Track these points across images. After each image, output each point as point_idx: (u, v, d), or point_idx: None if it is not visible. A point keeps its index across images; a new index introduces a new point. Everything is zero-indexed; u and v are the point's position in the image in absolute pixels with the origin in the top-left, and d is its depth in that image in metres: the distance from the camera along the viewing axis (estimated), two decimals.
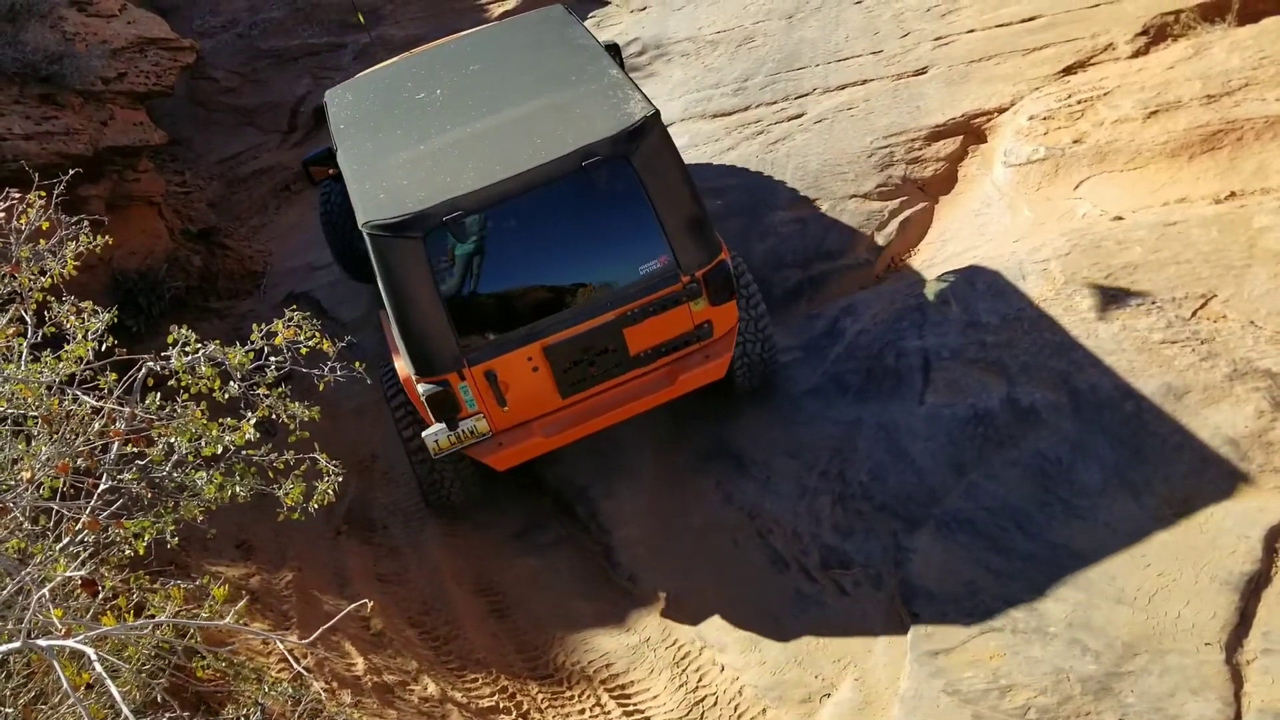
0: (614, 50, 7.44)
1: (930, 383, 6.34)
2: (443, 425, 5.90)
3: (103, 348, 4.12)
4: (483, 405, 5.93)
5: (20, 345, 3.91)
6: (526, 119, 6.07)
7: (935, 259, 7.56)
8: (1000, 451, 5.79)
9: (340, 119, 6.87)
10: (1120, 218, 6.95)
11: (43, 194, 4.21)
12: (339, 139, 6.70)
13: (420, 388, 5.85)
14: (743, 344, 6.38)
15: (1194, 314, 6.04)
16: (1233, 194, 6.82)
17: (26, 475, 3.22)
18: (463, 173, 5.77)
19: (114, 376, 3.91)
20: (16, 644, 2.75)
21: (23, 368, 3.78)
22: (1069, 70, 8.37)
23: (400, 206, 5.66)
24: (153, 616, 3.56)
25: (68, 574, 2.96)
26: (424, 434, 5.98)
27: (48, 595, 2.80)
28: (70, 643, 2.62)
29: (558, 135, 5.82)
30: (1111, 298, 6.28)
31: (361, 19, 8.85)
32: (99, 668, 2.46)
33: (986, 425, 5.93)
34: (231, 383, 4.05)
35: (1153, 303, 6.16)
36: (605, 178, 5.70)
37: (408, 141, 6.24)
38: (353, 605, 3.70)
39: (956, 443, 5.91)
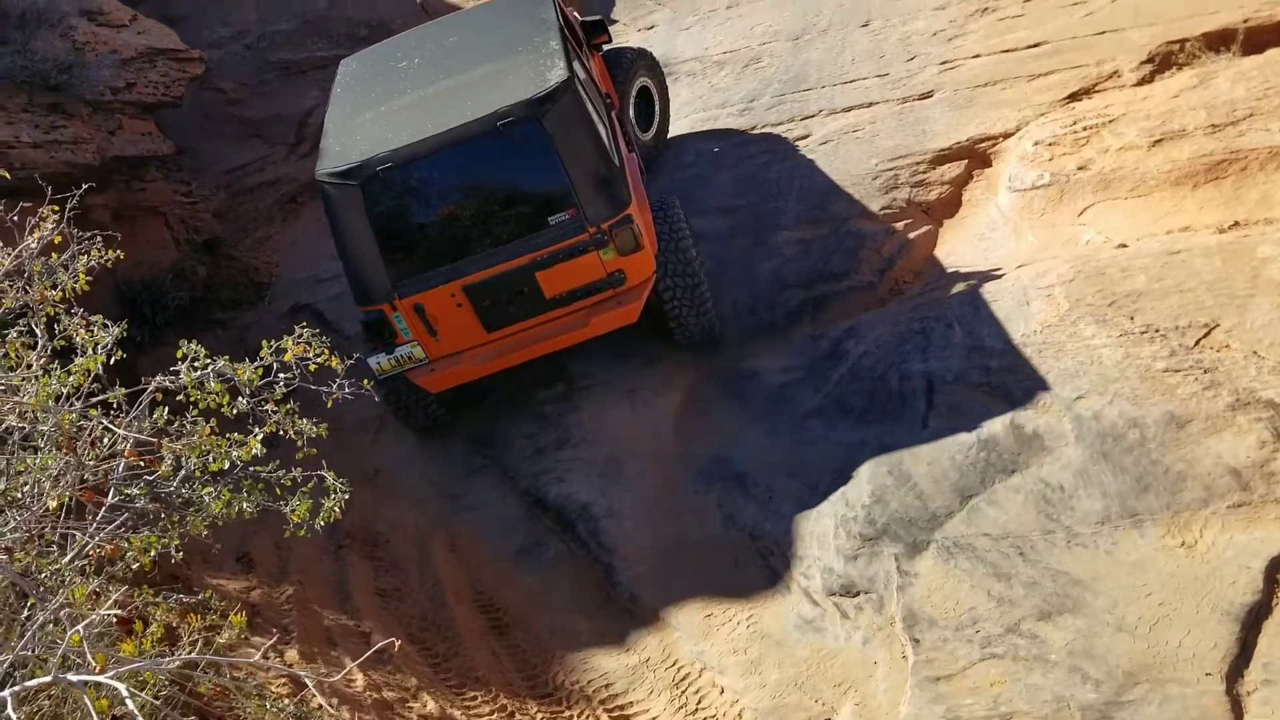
0: (599, 27, 8.33)
1: (934, 406, 6.35)
2: (382, 350, 6.77)
3: (111, 361, 4.13)
4: (416, 334, 6.77)
5: (30, 358, 3.92)
6: (467, 84, 6.80)
7: (939, 282, 7.58)
8: (1003, 477, 5.79)
9: (340, 84, 7.62)
10: (1124, 245, 6.97)
11: (56, 209, 4.24)
12: (331, 101, 7.43)
13: (360, 315, 6.79)
14: (672, 297, 7.03)
15: (1197, 343, 6.05)
16: (1236, 223, 6.85)
17: (53, 505, 3.23)
18: (402, 130, 6.55)
19: (123, 391, 3.92)
20: (48, 678, 2.74)
21: (33, 381, 3.78)
22: (1074, 97, 8.39)
23: (345, 158, 6.53)
24: (161, 637, 3.56)
25: (105, 611, 2.96)
26: (368, 358, 6.75)
27: (72, 623, 2.79)
28: (105, 679, 2.61)
29: (484, 98, 6.52)
30: (1115, 325, 6.29)
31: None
32: (131, 704, 2.46)
33: (990, 450, 5.94)
34: (240, 398, 4.06)
35: (1156, 331, 6.17)
36: (519, 136, 6.40)
37: (373, 103, 7.06)
38: (381, 643, 3.75)
39: (960, 467, 5.92)
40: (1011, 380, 6.26)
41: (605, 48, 8.75)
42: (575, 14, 8.65)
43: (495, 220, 6.65)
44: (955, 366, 6.50)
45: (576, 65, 6.97)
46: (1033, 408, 6.05)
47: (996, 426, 6.04)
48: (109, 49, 9.43)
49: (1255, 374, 5.78)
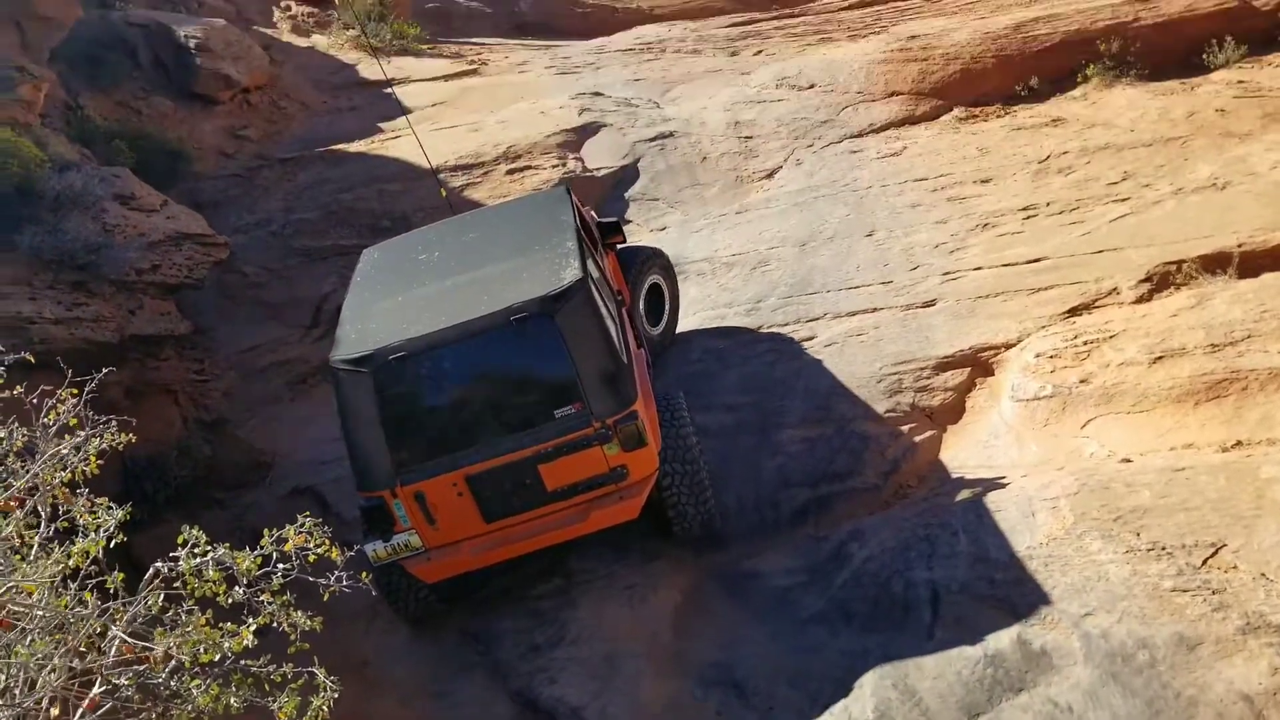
0: (614, 228, 8.72)
1: (939, 617, 6.23)
2: (379, 538, 6.68)
3: (111, 544, 4.09)
4: (415, 522, 6.70)
5: (32, 539, 3.89)
6: (484, 278, 6.99)
7: (944, 488, 7.57)
8: (1011, 695, 5.63)
9: (360, 272, 7.84)
10: (1128, 460, 7.00)
11: (75, 391, 4.31)
12: (350, 288, 7.61)
13: (359, 501, 6.74)
14: (671, 484, 7.02)
15: (1204, 563, 6.00)
16: (1239, 443, 6.89)
17: (55, 713, 3.16)
18: (418, 321, 6.70)
19: (120, 576, 3.87)
20: None
21: (31, 564, 3.75)
22: (1074, 311, 8.60)
23: (360, 346, 6.65)
24: None
25: None
26: (364, 546, 6.66)
27: None
28: None
29: (499, 293, 6.70)
30: (1121, 541, 6.24)
31: (444, 193, 9.80)
32: None
33: (997, 667, 5.80)
34: (237, 587, 4.01)
35: (1163, 548, 6.12)
36: (531, 331, 6.53)
37: (391, 293, 7.25)
38: None
39: (966, 684, 5.76)
40: (1017, 593, 6.17)
41: (619, 246, 9.05)
42: (592, 214, 9.00)
43: (502, 411, 6.74)
44: (961, 576, 6.42)
45: (590, 264, 7.18)
46: (1040, 623, 5.94)
47: (1003, 641, 5.91)
48: (138, 232, 9.74)
49: (1264, 597, 5.70)
